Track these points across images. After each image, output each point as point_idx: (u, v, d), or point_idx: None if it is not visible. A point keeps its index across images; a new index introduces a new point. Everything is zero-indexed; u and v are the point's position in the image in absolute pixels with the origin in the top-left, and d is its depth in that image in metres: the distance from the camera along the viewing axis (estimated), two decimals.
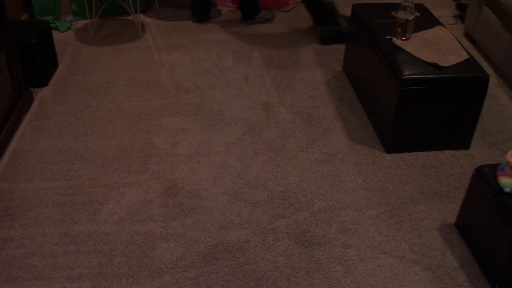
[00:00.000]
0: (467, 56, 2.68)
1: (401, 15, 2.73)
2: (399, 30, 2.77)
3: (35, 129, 2.85)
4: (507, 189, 2.02)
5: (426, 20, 3.00)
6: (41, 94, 3.13)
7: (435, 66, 2.60)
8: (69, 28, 3.82)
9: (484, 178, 2.12)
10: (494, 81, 3.29)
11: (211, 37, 3.77)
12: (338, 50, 3.62)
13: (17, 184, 2.50)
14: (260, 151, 2.73)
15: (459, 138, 2.74)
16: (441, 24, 2.98)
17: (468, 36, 3.77)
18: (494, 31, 3.36)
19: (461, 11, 4.02)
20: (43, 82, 3.20)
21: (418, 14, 2.92)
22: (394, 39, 2.80)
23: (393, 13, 3.00)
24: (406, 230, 2.31)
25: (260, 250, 2.20)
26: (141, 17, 4.00)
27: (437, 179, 2.58)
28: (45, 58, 3.20)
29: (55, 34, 3.70)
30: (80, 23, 3.90)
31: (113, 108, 3.02)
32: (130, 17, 3.98)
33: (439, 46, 2.74)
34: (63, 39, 3.70)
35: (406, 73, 2.55)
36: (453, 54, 2.69)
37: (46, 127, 2.87)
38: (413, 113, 2.63)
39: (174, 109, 3.02)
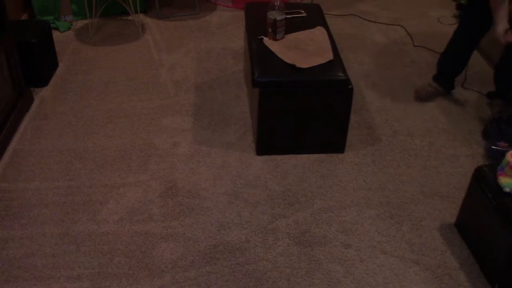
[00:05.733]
0: (330, 58, 2.62)
1: (270, 15, 2.68)
2: (270, 30, 2.74)
3: (35, 129, 2.85)
4: (507, 189, 2.02)
5: (314, 21, 2.95)
6: (41, 94, 3.13)
7: (293, 67, 2.56)
8: (69, 28, 3.82)
9: (484, 178, 2.12)
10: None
11: (211, 37, 3.77)
12: None
13: (17, 184, 2.50)
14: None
15: (335, 142, 2.70)
16: (324, 24, 2.93)
17: None
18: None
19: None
20: (43, 82, 3.20)
21: (304, 14, 2.89)
22: (265, 39, 2.76)
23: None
24: (406, 230, 2.31)
25: (260, 250, 2.20)
26: (141, 17, 4.00)
27: (437, 179, 2.58)
28: (45, 58, 3.20)
29: (55, 34, 3.70)
30: (80, 23, 3.90)
31: (113, 108, 3.02)
32: (130, 17, 3.98)
33: (307, 47, 2.70)
34: (63, 39, 3.70)
35: (257, 74, 2.53)
36: (318, 55, 2.64)
37: (46, 127, 2.87)
38: (273, 114, 2.59)
39: (174, 109, 3.02)
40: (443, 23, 3.99)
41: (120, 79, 3.28)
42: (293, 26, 2.85)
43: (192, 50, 3.60)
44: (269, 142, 2.67)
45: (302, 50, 2.67)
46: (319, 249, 2.21)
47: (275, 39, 2.75)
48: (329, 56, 2.64)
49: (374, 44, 3.71)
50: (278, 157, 2.68)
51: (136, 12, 3.92)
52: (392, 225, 2.33)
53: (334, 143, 2.71)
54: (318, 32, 2.85)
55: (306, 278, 2.09)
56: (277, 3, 2.66)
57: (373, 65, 3.47)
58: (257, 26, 2.89)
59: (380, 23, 3.98)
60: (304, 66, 2.56)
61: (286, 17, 2.72)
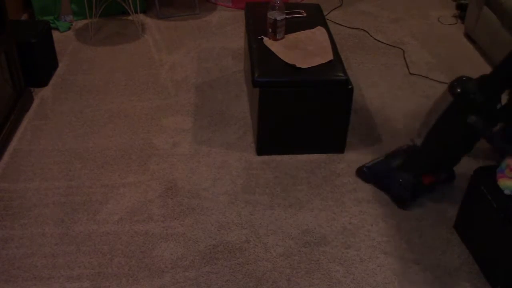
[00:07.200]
0: (330, 58, 2.62)
1: (270, 15, 2.68)
2: (270, 30, 2.74)
3: (35, 129, 2.85)
4: (508, 192, 2.00)
5: (314, 21, 2.94)
6: (41, 94, 3.13)
7: (293, 67, 2.55)
8: (69, 28, 3.82)
9: (482, 180, 2.11)
10: None
11: (211, 37, 3.77)
12: None
13: (17, 184, 2.50)
14: None
15: (335, 142, 2.69)
16: (325, 24, 2.92)
17: (468, 36, 3.77)
18: (494, 31, 3.36)
19: (461, 11, 4.02)
20: (43, 82, 3.20)
21: (304, 14, 2.87)
22: (265, 39, 2.76)
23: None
24: (406, 230, 2.31)
25: (260, 250, 2.20)
26: (141, 17, 4.00)
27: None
28: (45, 58, 3.20)
29: (55, 34, 3.70)
30: (80, 23, 3.90)
31: (113, 108, 3.02)
32: (130, 17, 3.98)
33: (307, 47, 2.69)
34: (63, 39, 3.70)
35: (257, 74, 2.53)
36: (318, 55, 2.64)
37: (46, 127, 2.87)
38: (273, 114, 2.58)
39: (174, 109, 3.02)
40: (443, 23, 3.99)
41: (120, 79, 3.28)
42: (293, 26, 2.85)
43: (192, 50, 3.60)
44: (269, 142, 2.67)
45: (302, 50, 2.67)
46: (319, 249, 2.21)
47: (275, 39, 2.75)
48: (329, 56, 2.64)
49: (374, 44, 3.71)
50: (278, 157, 2.68)
51: (136, 12, 3.92)
52: (392, 225, 2.33)
53: (334, 143, 2.71)
54: (318, 32, 2.84)
55: (306, 278, 2.09)
56: (277, 3, 2.66)
57: (373, 66, 3.47)
58: (257, 26, 2.89)
59: (380, 23, 3.98)
60: (304, 66, 2.56)
61: (286, 17, 2.72)
